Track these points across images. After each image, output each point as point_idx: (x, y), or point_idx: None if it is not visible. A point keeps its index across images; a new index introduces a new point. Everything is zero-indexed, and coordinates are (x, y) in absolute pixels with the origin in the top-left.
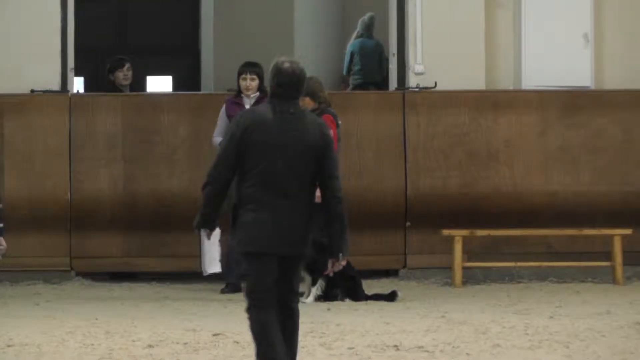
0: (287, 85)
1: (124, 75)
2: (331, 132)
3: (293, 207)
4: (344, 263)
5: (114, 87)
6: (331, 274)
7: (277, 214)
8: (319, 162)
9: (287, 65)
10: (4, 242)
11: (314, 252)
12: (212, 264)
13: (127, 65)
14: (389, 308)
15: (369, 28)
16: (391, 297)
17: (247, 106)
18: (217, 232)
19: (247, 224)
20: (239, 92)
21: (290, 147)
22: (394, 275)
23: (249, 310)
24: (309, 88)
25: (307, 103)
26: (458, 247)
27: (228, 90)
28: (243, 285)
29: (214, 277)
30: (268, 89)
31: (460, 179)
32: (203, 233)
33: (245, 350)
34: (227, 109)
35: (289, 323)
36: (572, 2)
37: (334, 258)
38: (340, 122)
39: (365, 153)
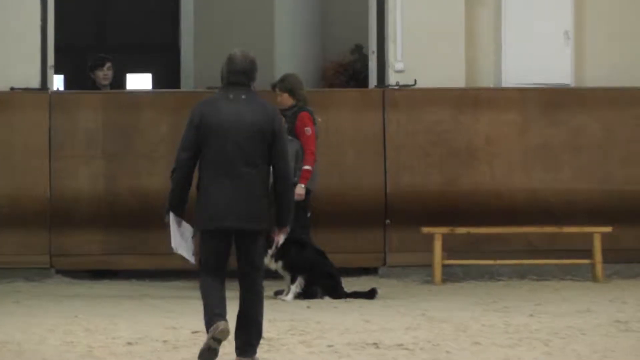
0: (239, 72)
1: (103, 74)
2: (281, 122)
3: (245, 186)
4: (286, 232)
5: (94, 86)
6: (280, 241)
7: (230, 192)
8: (269, 144)
9: (238, 53)
10: None
11: (295, 249)
12: (185, 250)
13: (108, 64)
14: (369, 306)
15: None
16: (371, 294)
17: None
18: (189, 227)
19: (203, 202)
20: None
21: (240, 130)
22: (373, 273)
23: (199, 277)
24: (288, 84)
25: (285, 99)
26: (438, 245)
27: (208, 88)
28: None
29: (193, 275)
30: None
31: (441, 177)
32: (172, 217)
33: (225, 348)
34: None
35: (248, 297)
36: (552, 0)
37: (283, 228)
38: (320, 119)
39: (345, 151)
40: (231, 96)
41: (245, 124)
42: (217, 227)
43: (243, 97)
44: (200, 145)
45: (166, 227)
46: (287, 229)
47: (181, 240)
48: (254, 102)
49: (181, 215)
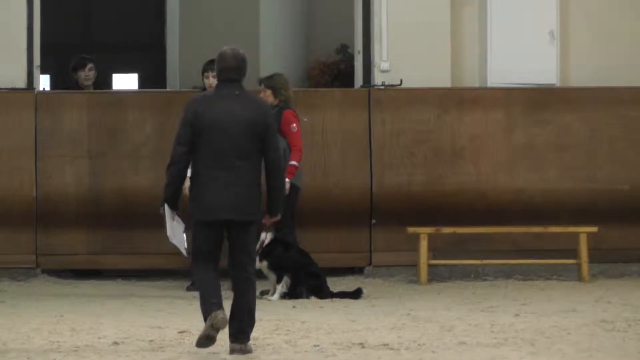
0: (230, 69)
1: (85, 75)
2: (272, 117)
3: (237, 178)
4: (277, 219)
5: (77, 86)
6: (267, 224)
7: (222, 184)
8: (261, 138)
9: (228, 51)
10: None
11: (280, 249)
12: (178, 242)
13: (90, 65)
14: (354, 305)
15: None
16: (356, 294)
17: None
18: (182, 224)
19: (198, 194)
20: (203, 90)
21: (233, 125)
22: (359, 273)
23: (193, 267)
24: (273, 82)
25: (267, 96)
26: (423, 245)
27: (193, 88)
28: None
29: (178, 275)
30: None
31: (426, 177)
32: (167, 210)
33: (211, 348)
34: None
35: (243, 286)
36: (537, 0)
37: (275, 216)
38: (305, 119)
39: (330, 150)
40: (224, 92)
41: (238, 119)
42: (212, 219)
43: (236, 92)
44: (194, 140)
45: (160, 219)
46: (278, 217)
47: (178, 237)
48: (246, 98)
49: (175, 207)
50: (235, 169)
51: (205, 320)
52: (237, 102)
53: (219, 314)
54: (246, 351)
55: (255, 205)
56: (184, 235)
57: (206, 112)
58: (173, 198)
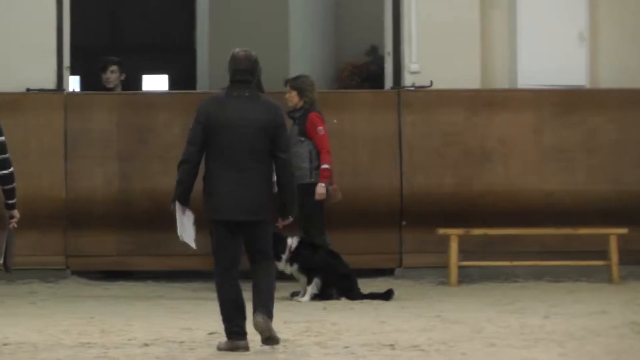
0: (242, 71)
1: (106, 78)
2: (283, 118)
3: (250, 179)
4: (290, 221)
5: (104, 88)
6: (280, 227)
7: (235, 185)
8: (272, 139)
9: (241, 53)
10: (17, 214)
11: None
12: (188, 237)
13: (111, 68)
14: (385, 307)
15: None
16: (387, 296)
17: None
18: (192, 215)
19: (210, 195)
20: None
21: (246, 126)
22: (389, 275)
23: (214, 270)
24: (299, 83)
25: (292, 97)
26: (454, 246)
27: (223, 89)
28: None
29: (208, 276)
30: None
31: (456, 178)
32: (178, 207)
33: (241, 349)
34: None
35: (261, 278)
36: (567, 1)
37: (286, 218)
38: (335, 120)
39: (360, 152)
40: (235, 94)
41: (250, 120)
42: (224, 218)
43: (247, 94)
44: (207, 140)
45: (172, 216)
46: (290, 219)
47: (188, 231)
48: (257, 99)
49: (186, 204)
50: (247, 169)
51: (226, 335)
52: (248, 103)
53: (240, 345)
54: (269, 320)
55: (266, 205)
56: (194, 227)
57: (218, 113)
58: (183, 195)
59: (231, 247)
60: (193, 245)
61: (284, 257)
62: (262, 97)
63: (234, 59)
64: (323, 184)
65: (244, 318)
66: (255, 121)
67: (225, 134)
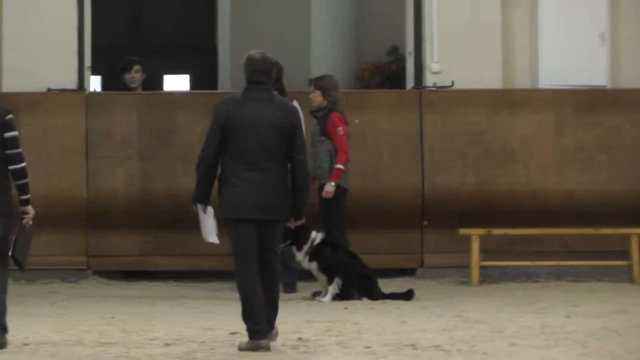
0: (259, 72)
1: (131, 77)
2: (301, 116)
3: (266, 179)
4: (303, 222)
5: (125, 88)
6: (292, 227)
7: (252, 185)
8: (288, 140)
9: (257, 55)
10: (31, 209)
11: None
12: (211, 234)
13: (135, 67)
14: (406, 307)
15: None
16: (408, 295)
17: None
18: (211, 210)
19: (227, 194)
20: None
21: (263, 127)
22: (410, 274)
23: (234, 269)
24: (323, 83)
25: (316, 97)
26: (475, 246)
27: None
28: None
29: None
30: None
31: (477, 178)
32: (199, 207)
33: (262, 349)
34: None
35: (267, 277)
36: (588, 1)
37: (299, 219)
38: (357, 120)
39: (381, 152)
40: (252, 95)
41: (268, 121)
42: (241, 217)
43: (265, 95)
44: (224, 141)
45: (195, 217)
46: (303, 220)
47: (208, 228)
48: (274, 100)
49: (206, 203)
50: (264, 170)
51: (247, 332)
52: (265, 104)
53: (261, 344)
54: (271, 339)
55: (281, 205)
56: (214, 220)
57: (236, 113)
58: (204, 195)
59: (250, 245)
60: (216, 240)
61: (305, 248)
62: (278, 98)
63: (251, 61)
64: (333, 183)
65: (264, 317)
66: (272, 122)
67: (243, 135)
